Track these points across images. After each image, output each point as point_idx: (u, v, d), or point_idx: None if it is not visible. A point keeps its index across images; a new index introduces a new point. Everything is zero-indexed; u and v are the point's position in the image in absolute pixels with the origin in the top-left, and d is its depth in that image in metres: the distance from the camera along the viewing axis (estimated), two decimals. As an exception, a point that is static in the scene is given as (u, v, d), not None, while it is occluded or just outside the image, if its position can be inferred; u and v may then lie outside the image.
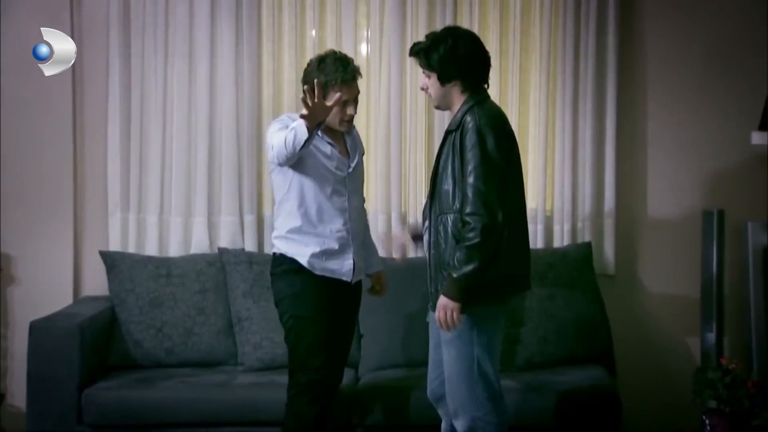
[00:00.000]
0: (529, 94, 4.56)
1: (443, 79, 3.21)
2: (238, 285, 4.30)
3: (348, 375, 4.15)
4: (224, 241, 4.51)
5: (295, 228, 3.50)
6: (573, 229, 4.52)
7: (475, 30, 4.47)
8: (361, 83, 4.47)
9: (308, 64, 3.53)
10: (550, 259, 4.33)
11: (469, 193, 3.08)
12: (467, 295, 3.10)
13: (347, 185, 3.55)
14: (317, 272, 3.49)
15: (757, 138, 4.19)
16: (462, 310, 3.10)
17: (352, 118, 3.52)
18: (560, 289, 4.24)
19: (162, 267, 4.34)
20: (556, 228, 4.52)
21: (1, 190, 4.50)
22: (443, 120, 4.48)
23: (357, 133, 3.69)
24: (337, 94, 3.37)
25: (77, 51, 4.46)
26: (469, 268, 3.07)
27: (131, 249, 4.49)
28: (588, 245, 4.42)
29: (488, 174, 3.08)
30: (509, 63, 4.51)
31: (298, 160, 3.42)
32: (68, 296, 4.50)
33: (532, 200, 4.56)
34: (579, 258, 4.35)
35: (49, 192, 4.53)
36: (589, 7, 4.45)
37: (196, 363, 4.26)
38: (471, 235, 3.06)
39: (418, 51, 3.25)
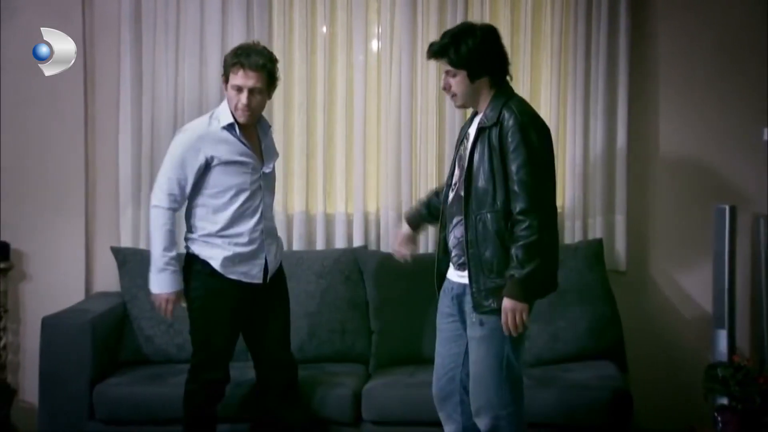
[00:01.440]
0: (540, 91, 4.55)
1: (473, 76, 3.12)
2: (248, 281, 4.30)
3: (358, 371, 4.17)
4: (235, 237, 4.51)
5: (208, 233, 3.56)
6: (584, 226, 4.51)
7: (486, 27, 4.50)
8: (372, 79, 4.53)
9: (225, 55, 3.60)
10: (562, 256, 4.21)
11: (520, 190, 3.03)
12: (532, 294, 3.07)
13: (261, 187, 3.59)
14: (229, 276, 3.55)
15: (768, 134, 4.19)
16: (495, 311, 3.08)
17: (246, 107, 3.49)
18: (571, 285, 4.23)
19: (173, 263, 4.35)
20: (568, 224, 4.52)
21: (13, 186, 4.52)
22: (454, 116, 4.48)
23: (272, 136, 3.75)
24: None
25: (89, 48, 4.52)
26: (532, 266, 3.02)
27: (142, 245, 4.49)
28: (599, 242, 4.42)
29: (538, 170, 3.04)
30: (520, 60, 4.50)
31: (206, 176, 3.52)
32: (80, 292, 4.51)
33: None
34: (590, 254, 4.34)
35: (60, 188, 4.54)
36: (601, 5, 4.45)
37: (207, 359, 4.26)
38: (528, 232, 3.00)
39: (442, 49, 3.13)
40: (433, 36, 4.47)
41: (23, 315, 4.54)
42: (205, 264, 3.57)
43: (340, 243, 4.53)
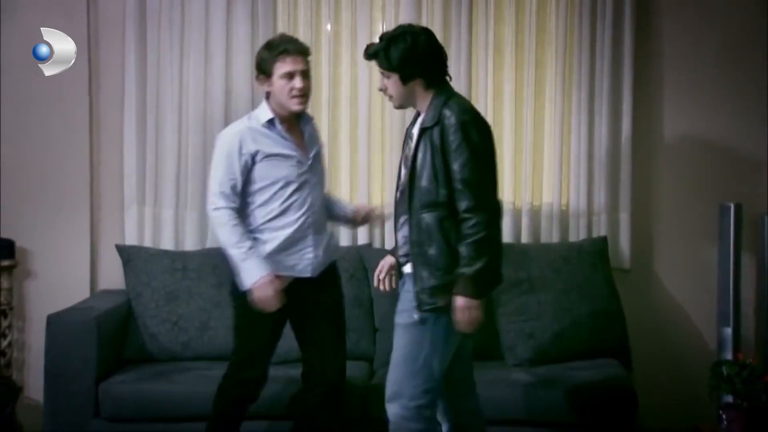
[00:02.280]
0: (545, 89, 4.55)
1: (405, 78, 3.15)
2: (253, 279, 4.30)
3: (362, 368, 4.17)
4: (240, 235, 4.51)
5: (255, 227, 3.50)
6: (588, 224, 4.51)
7: (491, 25, 4.50)
8: (376, 76, 4.49)
9: (257, 53, 3.54)
10: (566, 254, 4.32)
11: (464, 189, 3.06)
12: (483, 290, 3.10)
13: (308, 179, 3.54)
14: (278, 272, 3.47)
15: (773, 132, 4.18)
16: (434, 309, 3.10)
17: (301, 93, 3.45)
18: (576, 283, 4.23)
19: (178, 261, 4.36)
20: (572, 222, 4.52)
21: (18, 184, 4.52)
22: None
23: (315, 125, 3.68)
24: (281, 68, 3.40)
25: (93, 46, 4.52)
26: (481, 263, 3.05)
27: (147, 243, 4.51)
28: (603, 239, 4.42)
29: (480, 167, 3.07)
30: (525, 58, 4.50)
31: (253, 171, 3.47)
32: (85, 290, 4.51)
33: (548, 195, 4.56)
34: (594, 252, 4.34)
35: (65, 186, 4.55)
36: (605, 4, 4.45)
37: (212, 356, 4.25)
38: (475, 230, 3.04)
39: (375, 52, 3.18)
40: (438, 32, 4.44)
41: (28, 312, 4.54)
42: None
43: (344, 241, 4.53)
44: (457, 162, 3.06)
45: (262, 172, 3.47)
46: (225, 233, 3.44)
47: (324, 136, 4.52)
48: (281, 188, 3.49)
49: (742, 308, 4.19)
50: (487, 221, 3.05)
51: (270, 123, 3.50)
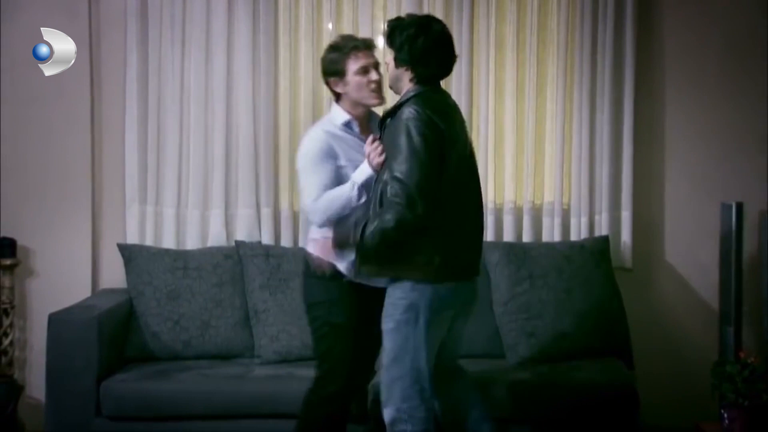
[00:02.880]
0: (547, 87, 4.55)
1: (396, 62, 3.24)
2: (255, 278, 4.30)
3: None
4: (241, 233, 4.51)
5: (323, 224, 3.41)
6: (590, 223, 4.51)
7: (492, 23, 4.50)
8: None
9: (322, 58, 3.51)
10: (568, 253, 4.32)
11: (394, 182, 3.08)
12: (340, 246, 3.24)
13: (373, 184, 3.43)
14: (354, 279, 3.37)
15: (776, 130, 4.18)
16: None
17: (379, 85, 3.43)
18: (578, 282, 4.23)
19: (179, 260, 4.36)
20: (573, 221, 4.51)
21: (19, 183, 4.52)
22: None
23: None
24: (356, 63, 3.37)
25: (95, 44, 4.52)
26: (373, 242, 3.12)
27: (149, 242, 4.50)
28: (605, 238, 4.41)
29: (413, 169, 3.07)
30: (526, 56, 4.50)
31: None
32: (86, 289, 4.51)
33: (550, 194, 4.55)
34: (596, 251, 4.34)
35: (66, 184, 4.54)
36: (607, 2, 4.45)
37: (213, 355, 4.27)
38: (388, 217, 3.08)
39: (389, 29, 3.26)
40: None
41: (30, 311, 4.54)
42: (329, 266, 3.40)
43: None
44: (398, 156, 3.10)
45: (338, 177, 3.39)
46: (331, 205, 3.34)
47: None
48: None
49: (744, 307, 4.18)
50: (400, 219, 3.07)
51: (347, 126, 3.44)
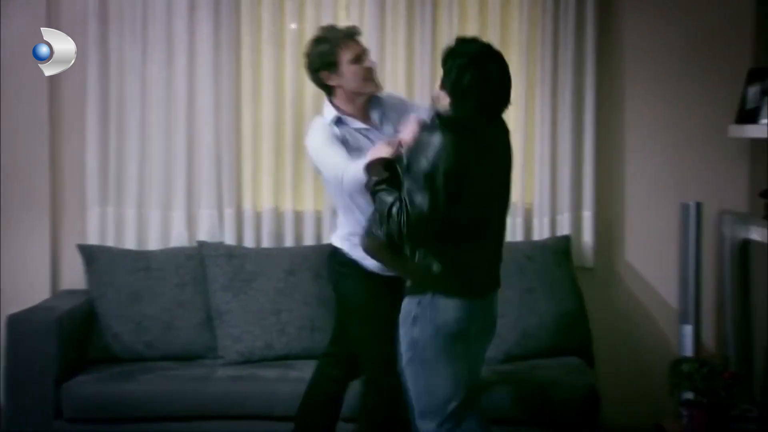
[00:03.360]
0: (509, 87, 4.56)
1: (442, 83, 3.02)
2: (218, 278, 4.29)
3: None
4: (203, 234, 4.50)
5: (354, 232, 3.37)
6: (552, 222, 4.53)
7: (455, 23, 4.50)
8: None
9: (308, 53, 3.43)
10: (530, 252, 4.34)
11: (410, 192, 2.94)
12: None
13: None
14: (383, 273, 3.34)
15: (734, 131, 4.22)
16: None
17: (373, 72, 3.37)
18: (539, 281, 4.25)
19: (141, 260, 4.33)
20: (536, 221, 4.54)
21: (-22, 183, 4.47)
22: (422, 113, 4.49)
23: (385, 98, 3.50)
24: (348, 54, 3.31)
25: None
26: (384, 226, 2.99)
27: (110, 242, 4.47)
28: (567, 238, 4.44)
29: (424, 191, 2.92)
30: (489, 56, 4.51)
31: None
32: (46, 290, 4.46)
33: (512, 194, 4.56)
34: (558, 251, 4.37)
35: (26, 185, 4.49)
36: (568, 1, 4.47)
37: (176, 356, 4.24)
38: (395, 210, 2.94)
39: (446, 49, 3.06)
40: (402, 32, 4.50)
41: (-12, 313, 4.49)
42: (357, 265, 3.38)
43: (309, 240, 4.53)
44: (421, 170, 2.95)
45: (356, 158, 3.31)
46: (349, 176, 3.22)
47: (288, 135, 4.51)
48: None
49: (703, 306, 4.23)
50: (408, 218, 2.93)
51: (337, 122, 3.38)
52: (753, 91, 4.10)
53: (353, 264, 3.42)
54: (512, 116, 4.52)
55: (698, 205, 4.17)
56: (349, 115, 3.41)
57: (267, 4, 4.49)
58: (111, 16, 4.45)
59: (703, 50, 4.54)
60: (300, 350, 4.24)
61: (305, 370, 4.04)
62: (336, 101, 3.41)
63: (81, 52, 4.43)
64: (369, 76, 3.37)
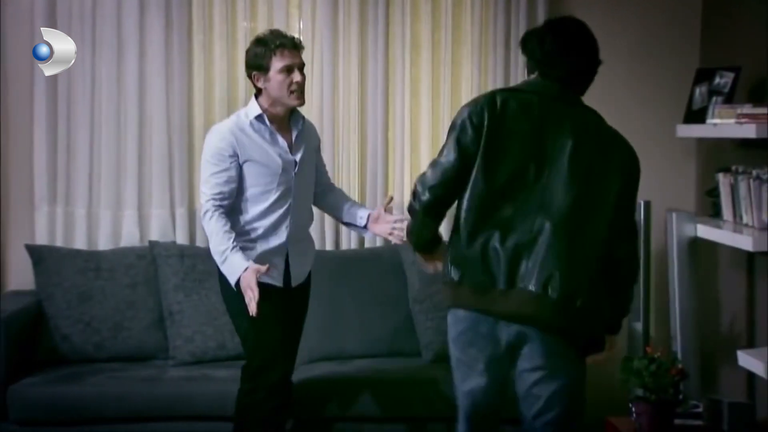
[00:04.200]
0: (462, 86, 4.59)
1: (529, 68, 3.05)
2: (170, 278, 4.26)
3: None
4: (155, 234, 4.46)
5: (236, 231, 3.42)
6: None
7: (407, 22, 4.52)
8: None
9: (247, 49, 3.48)
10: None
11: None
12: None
13: (292, 188, 3.47)
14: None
15: (682, 131, 4.28)
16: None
17: (300, 87, 3.42)
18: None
19: (91, 260, 4.28)
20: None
21: None
22: (376, 111, 4.52)
23: (309, 125, 3.62)
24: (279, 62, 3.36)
25: (2, 42, 4.40)
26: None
27: (59, 242, 4.41)
28: (518, 236, 4.46)
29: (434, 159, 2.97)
30: (441, 56, 4.54)
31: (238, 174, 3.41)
32: (-8, 291, 4.41)
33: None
34: (510, 249, 4.39)
35: (-30, 184, 4.42)
36: (519, 2, 4.50)
37: (126, 357, 4.20)
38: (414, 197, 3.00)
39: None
40: (355, 30, 4.50)
41: (-66, 314, 4.40)
42: None
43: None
44: None
45: (245, 176, 3.41)
46: (213, 239, 3.36)
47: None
48: (264, 194, 3.43)
49: (651, 303, 4.29)
50: (415, 195, 2.97)
51: (259, 120, 3.43)
52: (700, 91, 4.16)
53: None
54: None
55: (647, 204, 4.23)
56: (270, 117, 3.46)
57: (218, 2, 4.46)
58: (59, 14, 4.38)
59: (650, 51, 4.60)
60: (253, 350, 4.22)
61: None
62: (261, 101, 3.47)
63: (28, 49, 4.36)
64: (294, 89, 3.42)
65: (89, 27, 4.39)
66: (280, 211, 3.46)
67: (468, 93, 4.55)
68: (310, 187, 3.61)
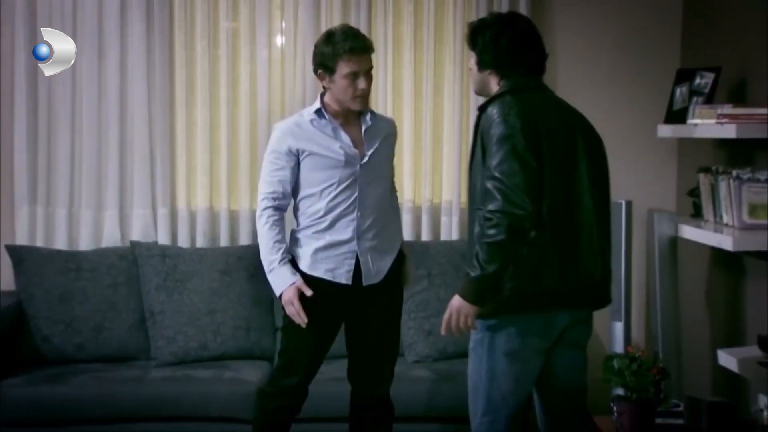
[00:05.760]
0: (444, 86, 4.59)
1: (480, 65, 3.00)
2: (151, 279, 4.24)
3: (264, 368, 4.14)
4: (136, 234, 4.44)
5: (298, 228, 3.42)
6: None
7: (390, 23, 4.52)
8: (276, 74, 4.51)
9: (316, 44, 3.41)
10: (465, 250, 4.36)
11: (493, 189, 2.78)
12: (482, 297, 2.85)
13: (358, 180, 3.38)
14: (312, 272, 3.37)
15: (662, 131, 4.30)
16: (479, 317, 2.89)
17: (364, 93, 3.36)
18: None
19: (72, 261, 4.26)
20: (463, 220, 4.56)
21: None
22: (358, 112, 4.50)
23: (380, 118, 3.54)
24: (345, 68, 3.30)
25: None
26: (492, 267, 2.78)
27: (39, 243, 4.39)
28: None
29: (515, 171, 2.78)
30: (423, 56, 4.54)
31: (299, 170, 3.39)
32: (-27, 292, 4.37)
33: (448, 192, 4.61)
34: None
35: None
36: (501, 2, 4.51)
37: (108, 358, 4.19)
38: (494, 231, 2.75)
39: (469, 30, 3.04)
40: (337, 31, 4.49)
41: None
42: (293, 262, 3.39)
43: (244, 240, 4.50)
44: (493, 159, 2.81)
45: (307, 172, 3.37)
46: (260, 237, 3.38)
47: (223, 134, 4.48)
48: (327, 188, 3.36)
49: (633, 303, 4.31)
50: (509, 226, 2.75)
51: (319, 115, 3.39)
52: (681, 91, 4.18)
53: (292, 261, 3.45)
54: (447, 115, 4.58)
55: (628, 204, 4.25)
56: (334, 113, 3.42)
57: (200, 2, 4.45)
58: (39, 13, 4.36)
59: (631, 51, 4.61)
60: (235, 350, 4.22)
61: (240, 371, 4.05)
62: (326, 98, 3.43)
63: (8, 48, 4.39)
64: (358, 94, 3.36)
65: (70, 26, 4.37)
66: (345, 205, 3.37)
67: (450, 93, 4.56)
68: (382, 181, 3.47)
